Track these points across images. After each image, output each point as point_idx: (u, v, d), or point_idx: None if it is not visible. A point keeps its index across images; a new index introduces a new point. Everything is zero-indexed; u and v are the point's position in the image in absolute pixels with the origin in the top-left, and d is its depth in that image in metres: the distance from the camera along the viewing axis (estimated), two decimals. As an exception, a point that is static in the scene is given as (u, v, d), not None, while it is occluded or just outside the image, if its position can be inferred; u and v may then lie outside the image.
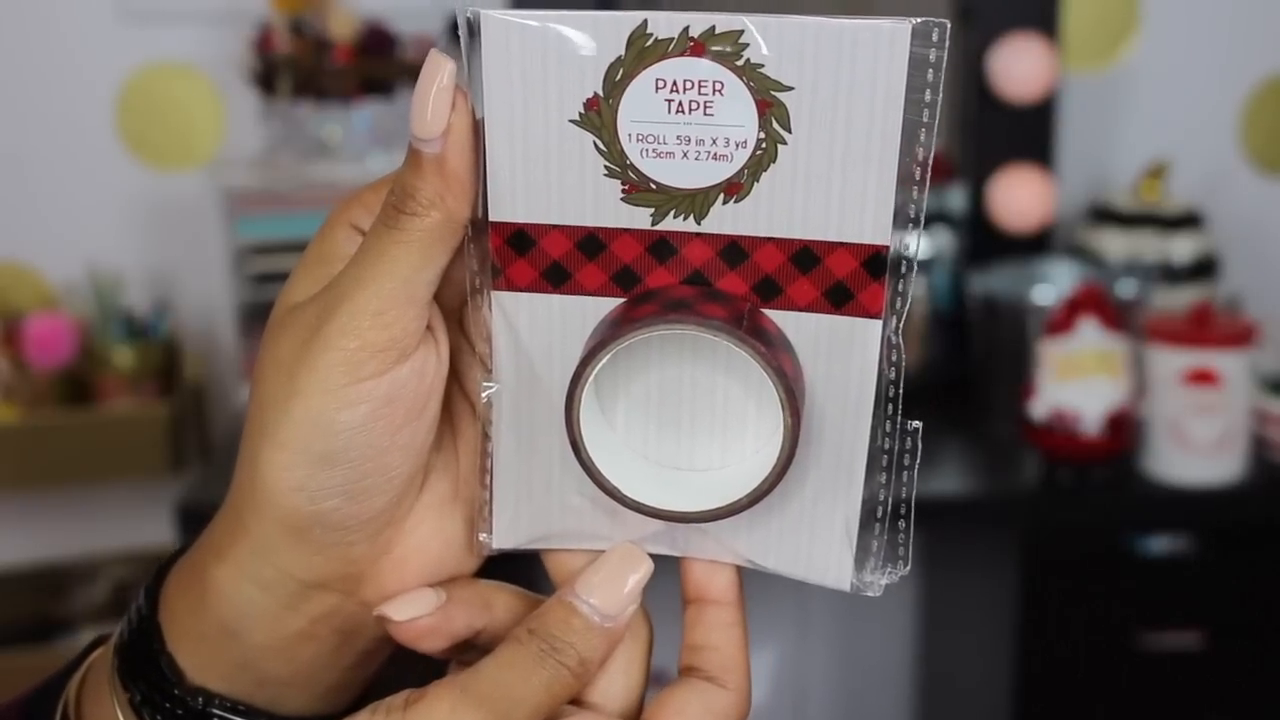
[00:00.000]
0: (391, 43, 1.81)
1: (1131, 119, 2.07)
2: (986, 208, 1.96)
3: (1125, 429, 1.63)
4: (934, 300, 1.96)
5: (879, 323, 0.40)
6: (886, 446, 0.42)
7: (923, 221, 0.39)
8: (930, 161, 0.38)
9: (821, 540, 0.44)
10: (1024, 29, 1.92)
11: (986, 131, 1.96)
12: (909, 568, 0.43)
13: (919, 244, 0.39)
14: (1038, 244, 1.95)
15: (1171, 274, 1.86)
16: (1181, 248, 1.87)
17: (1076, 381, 1.62)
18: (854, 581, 0.44)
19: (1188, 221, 1.89)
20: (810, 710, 2.24)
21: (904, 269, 0.40)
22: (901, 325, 0.41)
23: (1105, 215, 1.94)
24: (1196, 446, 1.61)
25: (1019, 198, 1.93)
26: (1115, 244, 1.89)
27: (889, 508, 0.43)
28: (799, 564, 0.44)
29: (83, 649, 0.48)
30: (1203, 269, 1.88)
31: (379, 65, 1.80)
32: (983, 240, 1.96)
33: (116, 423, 1.81)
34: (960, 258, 1.98)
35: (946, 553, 2.06)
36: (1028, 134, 1.95)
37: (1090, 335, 1.61)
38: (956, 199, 2.02)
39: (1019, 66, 1.91)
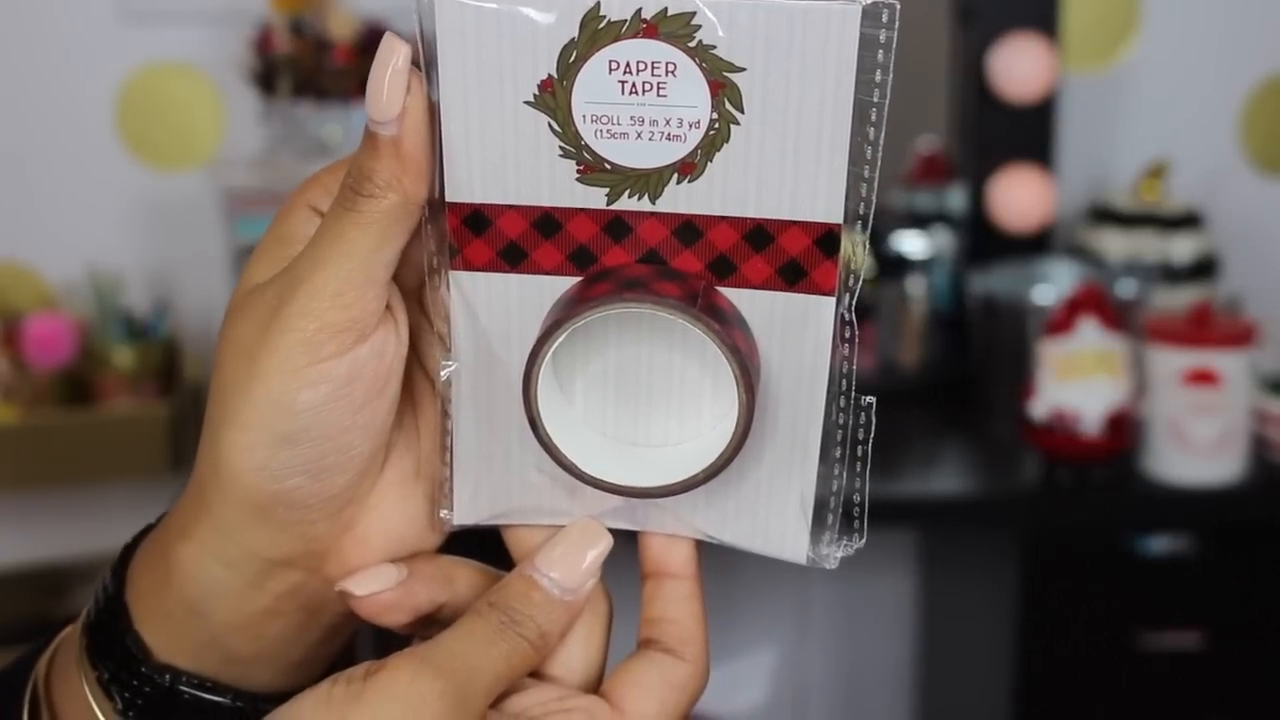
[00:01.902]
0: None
1: (1131, 119, 2.07)
2: (986, 208, 1.96)
3: (1125, 429, 1.63)
4: (934, 300, 1.96)
5: (832, 300, 0.41)
6: (841, 422, 0.43)
7: (874, 200, 0.39)
8: (881, 141, 0.39)
9: (778, 514, 0.44)
10: (1024, 29, 1.92)
11: (986, 131, 1.97)
12: (864, 540, 0.44)
13: (871, 222, 0.39)
14: (1038, 244, 1.95)
15: (1171, 274, 1.86)
16: (1181, 248, 1.87)
17: (1076, 381, 1.62)
18: (810, 555, 0.44)
19: (1188, 221, 1.89)
20: (810, 710, 2.24)
21: (856, 248, 0.40)
22: (854, 302, 0.41)
23: (1105, 215, 1.94)
24: (1196, 446, 1.61)
25: (1019, 198, 1.94)
26: (1115, 244, 1.89)
27: (844, 482, 0.43)
28: (756, 538, 0.45)
29: (50, 629, 0.48)
30: (1203, 269, 1.88)
31: (378, 65, 1.80)
32: (983, 240, 1.97)
33: (116, 423, 1.81)
34: (960, 258, 1.98)
35: (946, 553, 2.06)
36: (1028, 134, 1.95)
37: (1090, 335, 1.61)
38: (956, 199, 2.02)
39: (1019, 66, 1.92)
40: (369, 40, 1.81)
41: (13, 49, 1.93)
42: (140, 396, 1.85)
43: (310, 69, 1.80)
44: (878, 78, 0.38)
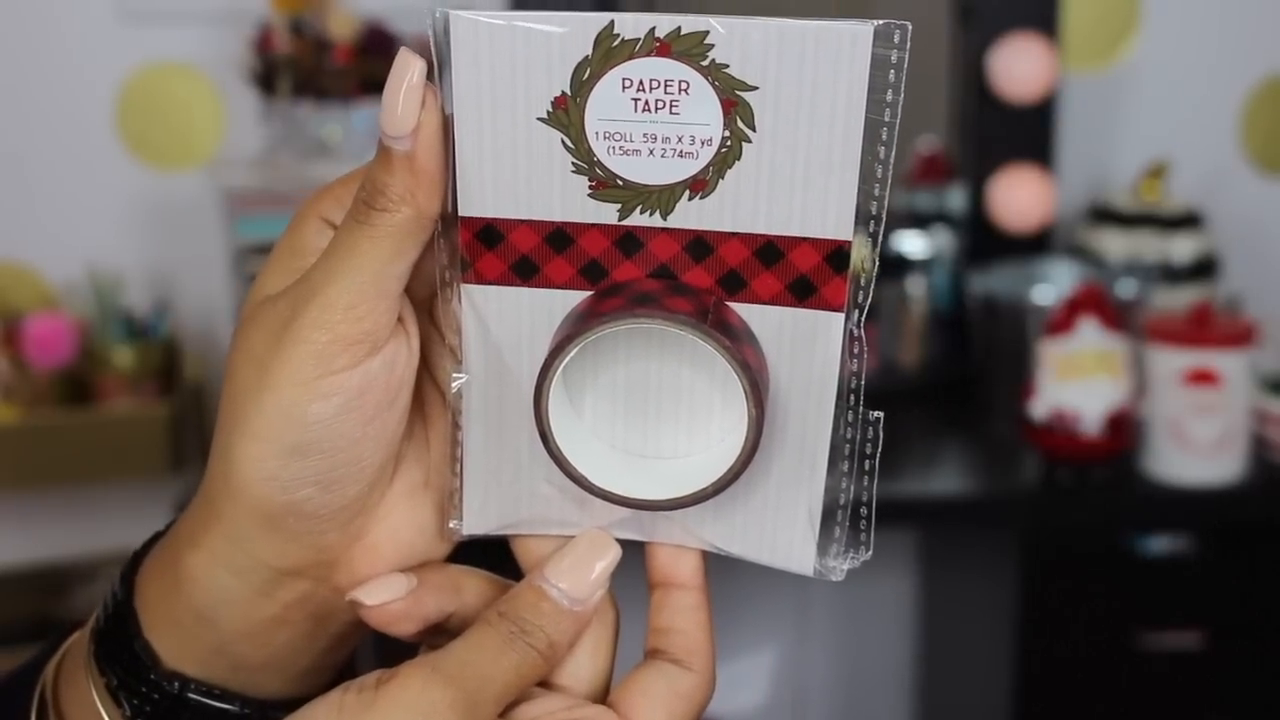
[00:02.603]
0: (391, 43, 1.82)
1: (1131, 119, 2.07)
2: (986, 208, 1.96)
3: (1125, 429, 1.63)
4: (934, 300, 1.96)
5: (841, 316, 0.41)
6: (849, 436, 0.43)
7: (884, 218, 0.40)
8: (892, 160, 0.39)
9: (785, 527, 0.45)
10: (1024, 29, 1.92)
11: (986, 131, 1.97)
12: (870, 553, 0.44)
13: (881, 239, 0.40)
14: (1038, 244, 1.95)
15: (1171, 274, 1.86)
16: (1181, 248, 1.87)
17: (1076, 381, 1.62)
18: (817, 567, 0.45)
19: (1188, 221, 1.89)
20: (810, 710, 2.24)
21: (865, 263, 0.41)
22: (863, 318, 0.41)
23: (1105, 215, 1.94)
24: (1196, 446, 1.61)
25: (1019, 198, 1.94)
26: (1115, 244, 1.89)
27: (851, 495, 0.44)
28: (764, 550, 0.45)
29: (58, 633, 0.48)
30: (1203, 269, 1.88)
31: (379, 65, 1.80)
32: (983, 240, 1.97)
33: (116, 423, 1.81)
34: (960, 258, 1.98)
35: (946, 553, 2.06)
36: (1028, 134, 1.95)
37: (1090, 335, 1.61)
38: (956, 199, 2.02)
39: (1019, 66, 1.92)
40: (369, 40, 1.81)
41: (13, 49, 1.93)
42: (140, 396, 1.85)
43: (310, 69, 1.80)
44: (889, 97, 0.38)
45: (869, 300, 0.41)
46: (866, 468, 0.43)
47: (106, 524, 1.98)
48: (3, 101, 1.94)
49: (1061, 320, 1.63)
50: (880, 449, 0.43)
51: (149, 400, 1.85)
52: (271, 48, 1.80)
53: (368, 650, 0.52)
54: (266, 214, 1.74)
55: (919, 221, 2.01)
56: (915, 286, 1.94)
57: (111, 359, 1.85)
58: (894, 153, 0.39)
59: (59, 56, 1.94)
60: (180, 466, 1.81)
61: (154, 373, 1.87)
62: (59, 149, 1.96)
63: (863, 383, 0.42)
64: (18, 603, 1.92)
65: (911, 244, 1.96)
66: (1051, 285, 1.80)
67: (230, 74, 1.90)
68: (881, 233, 0.40)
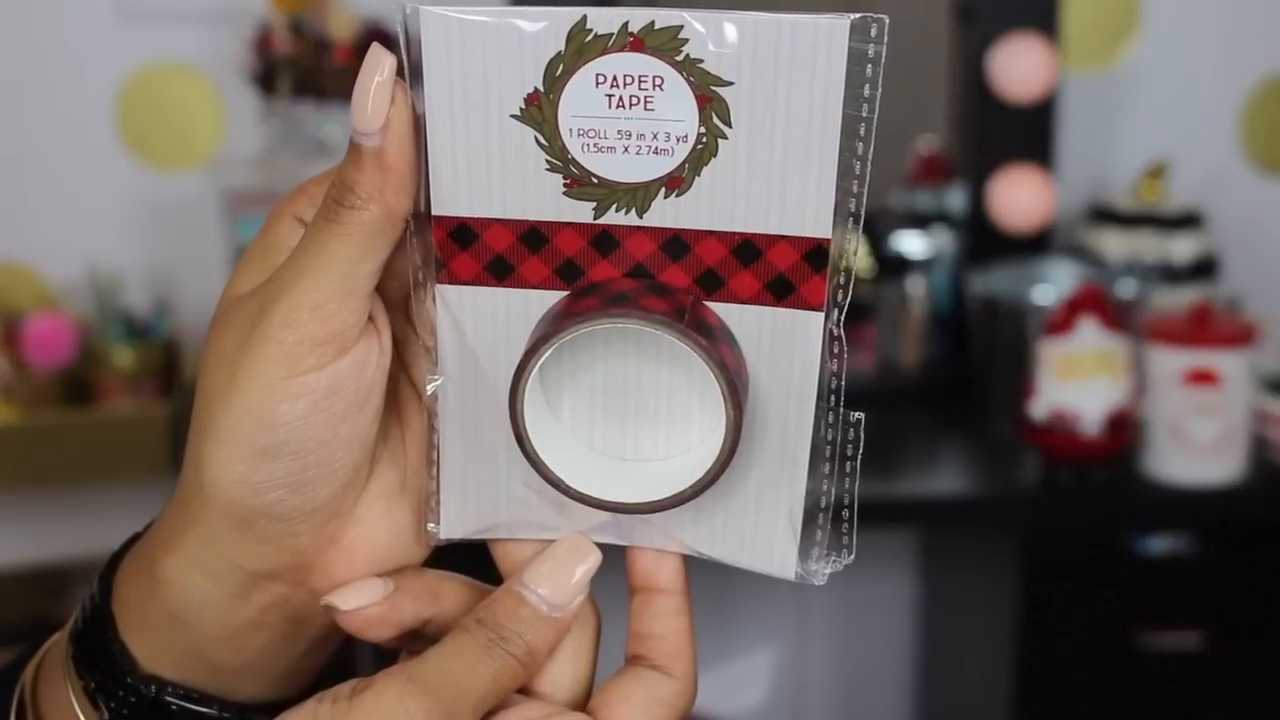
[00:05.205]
0: (391, 43, 1.82)
1: (1131, 119, 2.07)
2: (986, 208, 1.96)
3: (1125, 429, 1.63)
4: (934, 300, 1.95)
5: (821, 315, 0.41)
6: (830, 437, 0.43)
7: (863, 216, 0.39)
8: (870, 156, 0.38)
9: (766, 530, 0.44)
10: (1024, 29, 1.92)
11: (986, 131, 1.96)
12: (853, 556, 0.43)
13: (859, 237, 0.39)
14: (1038, 244, 1.95)
15: (1171, 274, 1.86)
16: (1181, 248, 1.87)
17: (1076, 381, 1.62)
18: (799, 570, 0.44)
19: (1188, 221, 1.89)
20: (810, 710, 2.24)
21: (845, 262, 0.40)
22: (843, 318, 0.41)
23: (1105, 215, 1.94)
24: (1196, 446, 1.61)
25: (1019, 198, 1.93)
26: (1115, 244, 1.89)
27: (833, 498, 0.43)
28: (744, 553, 0.45)
29: (41, 633, 0.48)
30: (1203, 269, 1.88)
31: (378, 65, 1.80)
32: (983, 240, 1.96)
33: (116, 423, 1.81)
34: (960, 258, 1.98)
35: (946, 553, 2.06)
36: (1028, 134, 1.94)
37: (1090, 335, 1.61)
38: (956, 199, 2.01)
39: (1019, 66, 1.91)
40: (369, 40, 1.81)
41: (13, 49, 1.93)
42: (140, 396, 1.85)
43: (310, 69, 1.80)
44: (866, 92, 0.38)
45: (849, 299, 0.40)
46: (848, 469, 0.43)
47: (106, 524, 1.97)
48: (3, 101, 1.94)
49: (1061, 320, 1.62)
50: (861, 450, 0.42)
51: (149, 400, 1.85)
52: (271, 48, 1.80)
53: (366, 652, 0.52)
54: (266, 214, 1.74)
55: (919, 221, 2.00)
56: (915, 286, 1.93)
57: (111, 359, 1.85)
58: (873, 149, 0.38)
59: (59, 56, 1.94)
60: (180, 466, 1.81)
61: (154, 373, 1.87)
62: (59, 149, 1.96)
63: (843, 383, 0.41)
64: (18, 603, 1.92)
65: (911, 244, 1.96)
66: (1051, 285, 1.79)
67: (230, 74, 1.90)
68: (860, 231, 0.39)
